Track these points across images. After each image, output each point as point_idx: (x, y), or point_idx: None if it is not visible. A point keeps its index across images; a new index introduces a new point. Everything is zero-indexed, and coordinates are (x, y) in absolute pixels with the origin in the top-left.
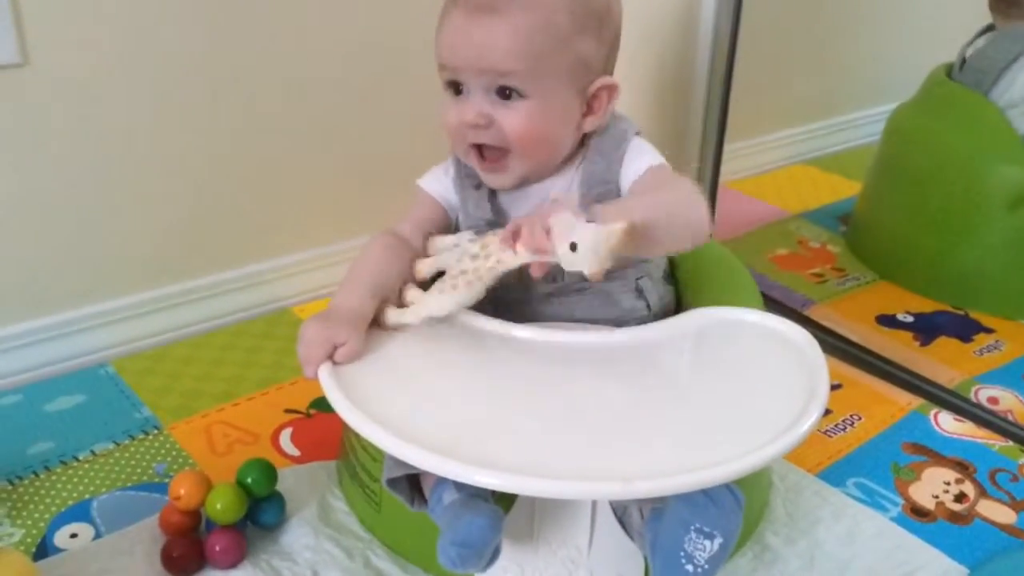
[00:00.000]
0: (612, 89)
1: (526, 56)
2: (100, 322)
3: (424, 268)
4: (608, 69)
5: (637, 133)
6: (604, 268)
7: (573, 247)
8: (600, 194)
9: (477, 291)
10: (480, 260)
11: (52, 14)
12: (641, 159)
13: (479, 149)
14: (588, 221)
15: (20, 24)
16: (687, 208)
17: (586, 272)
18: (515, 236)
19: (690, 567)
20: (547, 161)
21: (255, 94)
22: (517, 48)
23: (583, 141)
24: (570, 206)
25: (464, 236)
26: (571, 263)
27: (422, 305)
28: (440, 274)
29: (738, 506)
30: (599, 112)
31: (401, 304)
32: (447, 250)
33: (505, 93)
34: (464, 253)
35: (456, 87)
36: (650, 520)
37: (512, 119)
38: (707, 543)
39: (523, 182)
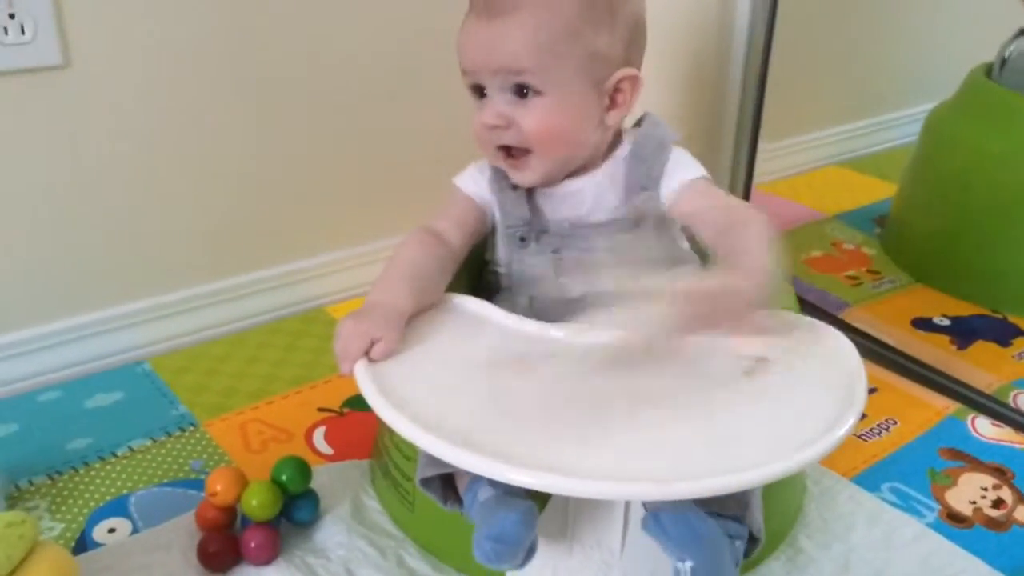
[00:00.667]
0: (634, 80)
1: (536, 52)
2: (137, 320)
3: None
4: (631, 61)
5: (675, 142)
6: None
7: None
8: (639, 203)
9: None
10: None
11: (94, 17)
12: (685, 170)
13: (504, 150)
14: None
15: (62, 27)
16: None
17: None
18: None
19: None
20: (570, 158)
21: (292, 93)
22: (527, 44)
23: (616, 138)
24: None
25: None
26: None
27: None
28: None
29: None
30: (623, 105)
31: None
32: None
33: (522, 92)
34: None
35: (479, 91)
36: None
37: (529, 118)
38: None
39: (551, 179)
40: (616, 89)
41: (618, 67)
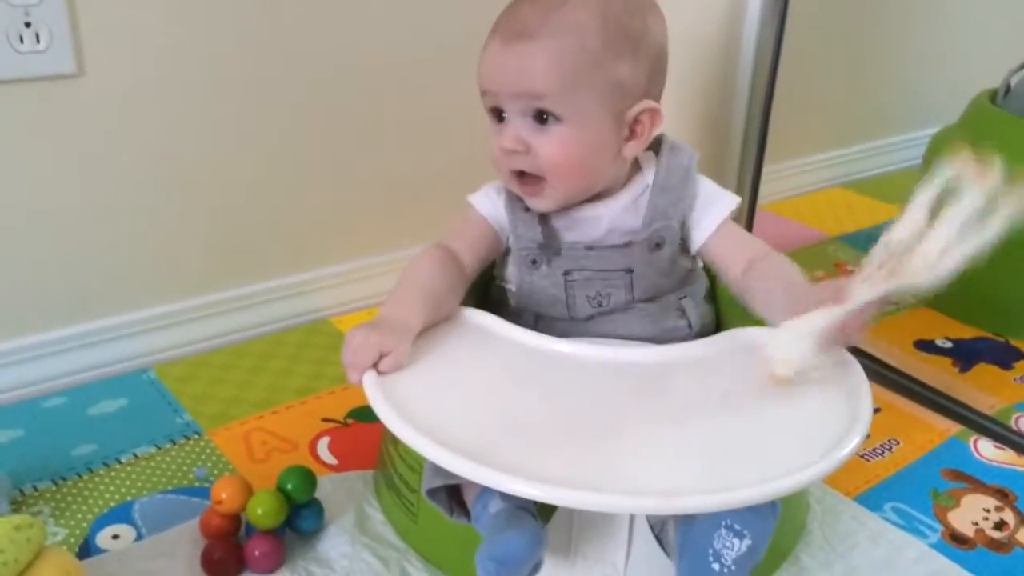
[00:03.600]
0: (654, 113)
1: (559, 77)
2: (143, 328)
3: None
4: (651, 94)
5: (697, 164)
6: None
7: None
8: (659, 229)
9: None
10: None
11: (108, 26)
12: (718, 208)
13: (519, 175)
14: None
15: (77, 35)
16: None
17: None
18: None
19: (716, 566)
20: (585, 187)
21: (302, 105)
22: (550, 70)
23: (635, 165)
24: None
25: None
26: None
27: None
28: None
29: (773, 514)
30: (641, 137)
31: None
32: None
33: (542, 118)
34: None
35: (498, 114)
36: (681, 524)
37: (548, 145)
38: (736, 542)
39: (567, 206)
40: (636, 121)
41: (639, 99)
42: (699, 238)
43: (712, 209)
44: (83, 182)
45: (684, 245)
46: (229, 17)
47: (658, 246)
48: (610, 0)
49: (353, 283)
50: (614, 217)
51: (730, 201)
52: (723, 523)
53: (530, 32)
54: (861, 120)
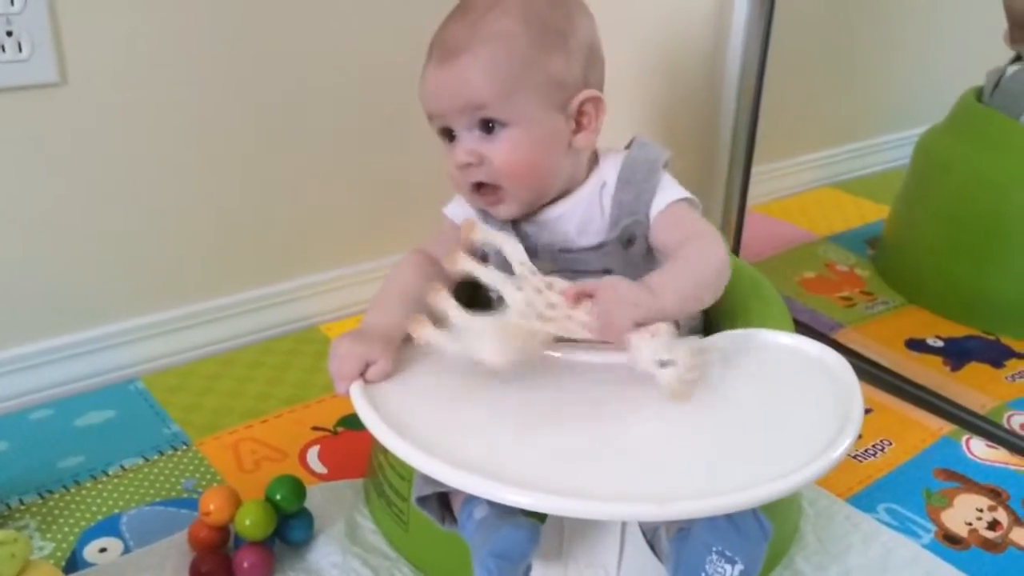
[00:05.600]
0: (597, 102)
1: (496, 84)
2: (130, 338)
3: (462, 266)
4: (590, 83)
5: (666, 163)
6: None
7: (663, 364)
8: (628, 225)
9: (532, 352)
10: (548, 305)
11: (91, 35)
12: (667, 193)
13: (477, 187)
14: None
15: (59, 44)
16: (706, 268)
17: (666, 393)
18: (578, 298)
19: None
20: (543, 187)
21: (288, 114)
22: (486, 78)
23: (592, 161)
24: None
25: (520, 262)
26: (652, 372)
27: (472, 340)
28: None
29: (763, 536)
30: (589, 128)
31: (437, 319)
32: (495, 265)
33: (488, 127)
34: (526, 299)
35: (448, 134)
36: (675, 540)
37: (499, 152)
38: (728, 567)
39: (530, 209)
40: (580, 112)
41: (578, 90)
42: (652, 224)
43: (661, 194)
44: (67, 191)
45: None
46: (212, 24)
47: (630, 242)
48: (531, 1)
49: (341, 290)
50: (580, 217)
51: (678, 192)
52: (714, 549)
53: (460, 47)
54: (849, 120)
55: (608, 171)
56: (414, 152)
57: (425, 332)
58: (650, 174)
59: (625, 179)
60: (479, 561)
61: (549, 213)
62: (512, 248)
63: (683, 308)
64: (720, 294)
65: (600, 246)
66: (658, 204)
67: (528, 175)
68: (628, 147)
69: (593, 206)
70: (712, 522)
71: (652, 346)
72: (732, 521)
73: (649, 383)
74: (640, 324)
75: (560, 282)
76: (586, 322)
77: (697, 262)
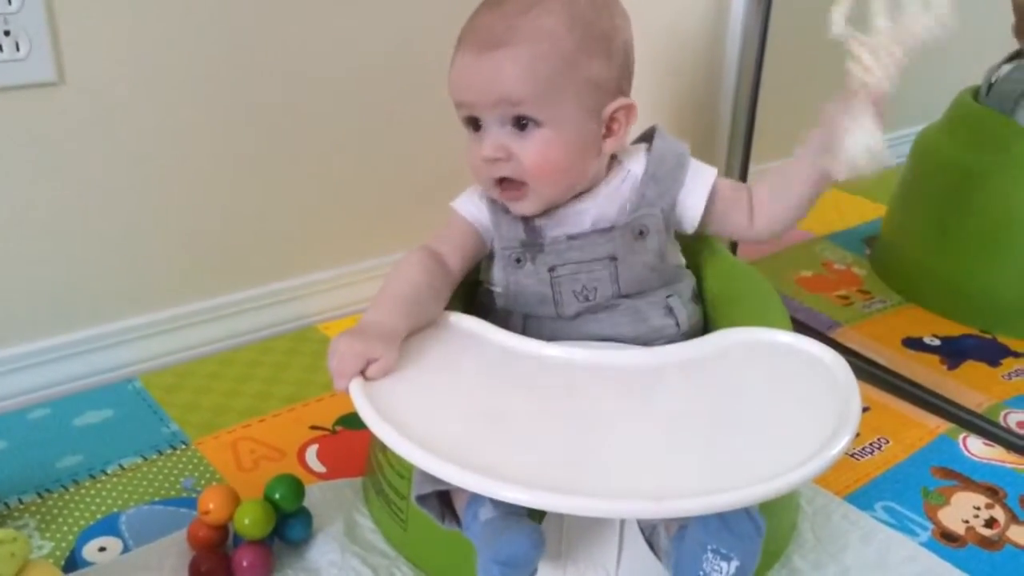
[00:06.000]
0: (629, 109)
1: (535, 82)
2: (128, 338)
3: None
4: (623, 90)
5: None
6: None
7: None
8: (641, 216)
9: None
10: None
11: (88, 34)
12: (703, 176)
13: (501, 181)
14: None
15: (57, 44)
16: None
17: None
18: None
19: None
20: (567, 189)
21: (286, 113)
22: (526, 75)
23: (613, 158)
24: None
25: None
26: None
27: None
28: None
29: (757, 532)
30: (618, 134)
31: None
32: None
33: (521, 123)
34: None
35: (475, 124)
36: (675, 539)
37: (530, 150)
38: (724, 564)
39: (552, 205)
40: (612, 118)
41: (614, 96)
42: (694, 215)
43: (699, 178)
44: (64, 191)
45: (677, 235)
46: (210, 23)
47: (641, 234)
48: (574, 1)
49: (340, 289)
50: (598, 210)
51: (710, 171)
52: (708, 547)
53: (500, 40)
54: None
55: (634, 165)
56: (414, 151)
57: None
58: (678, 169)
59: (652, 174)
60: (484, 568)
61: (567, 209)
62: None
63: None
64: None
65: (609, 229)
66: (703, 187)
67: (556, 175)
68: (644, 138)
69: (613, 200)
70: (704, 521)
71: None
72: (724, 520)
73: (648, 381)
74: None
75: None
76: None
77: None
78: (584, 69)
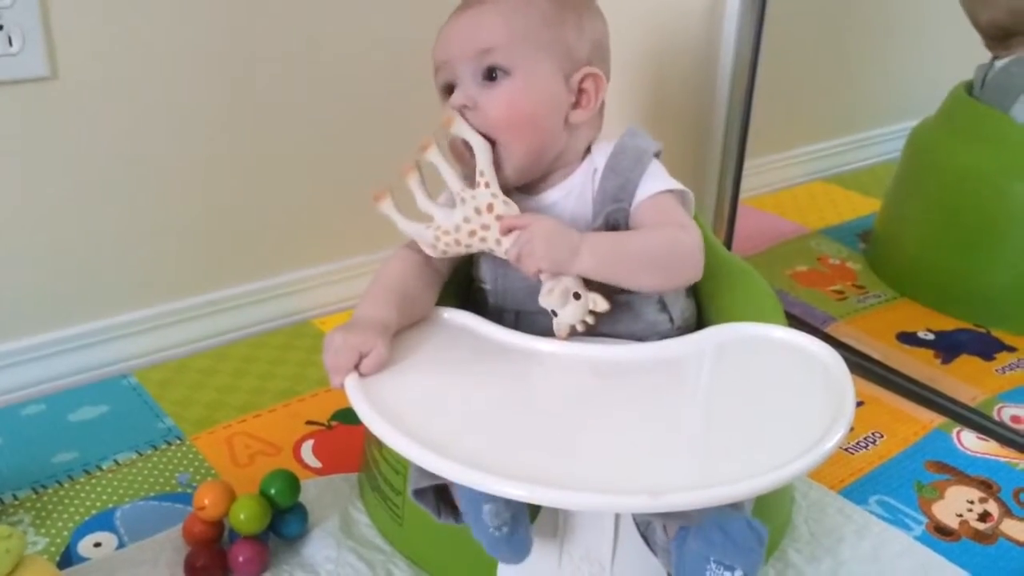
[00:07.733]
0: (598, 80)
1: (510, 31)
2: (123, 333)
3: (430, 156)
4: (594, 66)
5: (656, 154)
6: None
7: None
8: (612, 212)
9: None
10: (482, 226)
11: (82, 29)
12: (653, 182)
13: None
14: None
15: (50, 38)
16: (659, 247)
17: (563, 322)
18: (509, 231)
19: None
20: (539, 149)
21: (280, 107)
22: (499, 23)
23: (586, 150)
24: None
25: (481, 171)
26: (549, 303)
27: (411, 227)
28: None
29: (759, 541)
30: (587, 106)
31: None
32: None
33: (491, 75)
34: (464, 215)
35: (450, 90)
36: (675, 542)
37: (497, 99)
38: (728, 575)
39: (525, 175)
40: (581, 89)
41: (584, 65)
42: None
43: (648, 183)
44: (58, 186)
45: None
46: (204, 18)
47: (615, 229)
48: None
49: (334, 284)
50: (573, 205)
51: (665, 183)
52: (711, 559)
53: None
54: (841, 114)
55: (598, 158)
56: (407, 147)
57: (386, 204)
58: (636, 163)
59: (611, 166)
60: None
61: (542, 201)
62: (481, 153)
63: (604, 273)
64: (672, 283)
65: (584, 231)
66: (642, 193)
67: (522, 129)
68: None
69: (585, 194)
70: (706, 535)
71: (563, 285)
72: (725, 532)
73: (643, 377)
74: (553, 270)
75: (510, 207)
76: (507, 249)
77: (653, 239)
78: (557, 29)
